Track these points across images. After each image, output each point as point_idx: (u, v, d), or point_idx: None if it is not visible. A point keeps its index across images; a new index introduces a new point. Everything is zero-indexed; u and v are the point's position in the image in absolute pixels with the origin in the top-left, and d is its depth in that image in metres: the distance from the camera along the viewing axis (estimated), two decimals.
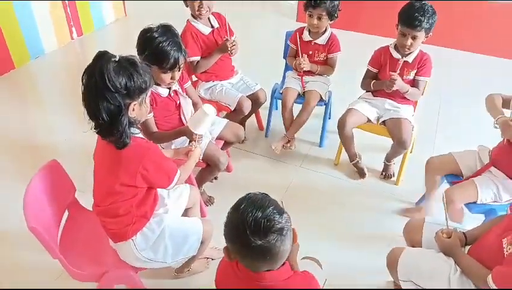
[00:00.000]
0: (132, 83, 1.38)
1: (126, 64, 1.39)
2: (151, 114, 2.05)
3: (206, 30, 2.61)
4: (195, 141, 1.93)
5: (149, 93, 1.51)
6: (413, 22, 2.30)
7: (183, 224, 1.79)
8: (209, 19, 2.63)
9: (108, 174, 1.52)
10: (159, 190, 1.76)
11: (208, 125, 1.96)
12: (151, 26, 1.94)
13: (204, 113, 1.89)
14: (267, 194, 1.19)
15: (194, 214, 2.03)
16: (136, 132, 1.52)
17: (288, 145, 2.90)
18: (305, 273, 1.31)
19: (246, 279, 1.19)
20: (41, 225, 1.47)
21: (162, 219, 1.71)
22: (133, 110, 1.44)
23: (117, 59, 1.38)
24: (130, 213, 1.60)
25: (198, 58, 2.61)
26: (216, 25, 2.66)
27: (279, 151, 2.85)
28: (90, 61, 1.40)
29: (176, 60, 1.93)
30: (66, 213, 1.80)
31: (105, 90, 1.34)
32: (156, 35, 1.90)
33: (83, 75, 1.38)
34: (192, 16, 2.60)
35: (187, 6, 2.58)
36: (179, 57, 1.93)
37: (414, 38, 2.36)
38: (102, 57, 1.37)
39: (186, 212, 2.00)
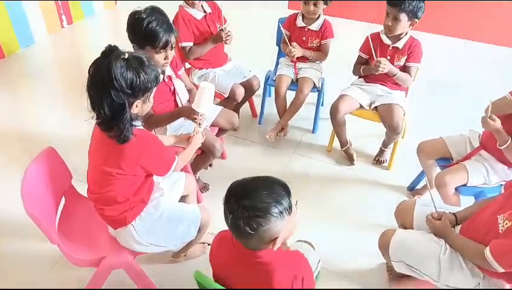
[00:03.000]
0: (138, 82, 1.38)
1: (134, 63, 1.38)
2: None
3: (198, 15, 2.61)
4: (195, 120, 1.96)
5: (154, 91, 1.51)
6: (394, 1, 2.35)
7: (181, 210, 1.81)
8: (201, 4, 2.63)
9: (106, 163, 1.52)
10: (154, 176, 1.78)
11: (209, 103, 2.00)
12: (138, 9, 1.94)
13: (203, 89, 1.94)
14: (258, 179, 1.19)
15: (191, 203, 2.05)
16: (138, 124, 1.53)
17: (282, 133, 2.95)
18: (296, 252, 1.34)
19: (241, 253, 1.22)
20: (40, 211, 1.48)
21: (159, 203, 1.73)
22: (136, 106, 1.46)
23: (126, 57, 1.37)
24: (127, 200, 1.62)
25: (191, 44, 2.61)
26: (208, 10, 2.66)
27: (273, 139, 2.90)
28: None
29: (168, 38, 1.92)
30: (63, 200, 1.81)
31: (111, 88, 1.35)
32: (144, 16, 1.89)
33: (90, 67, 1.39)
34: (186, 2, 2.60)
35: None
36: (170, 35, 1.93)
37: (395, 19, 2.39)
38: (112, 54, 1.36)
39: (183, 201, 2.02)
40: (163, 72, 2.10)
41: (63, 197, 1.81)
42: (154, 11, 1.93)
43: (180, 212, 1.78)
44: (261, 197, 1.12)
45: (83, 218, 1.83)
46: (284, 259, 1.25)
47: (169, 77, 2.16)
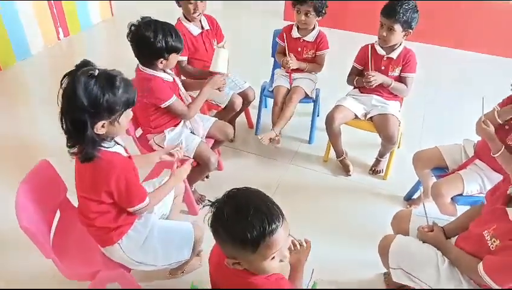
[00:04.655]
0: (101, 101, 1.31)
1: (102, 82, 1.32)
2: (173, 99, 2.11)
3: (195, 31, 2.63)
4: (221, 87, 2.38)
5: (129, 112, 1.45)
6: (388, 12, 2.37)
7: (173, 229, 1.76)
8: (200, 20, 2.65)
9: (80, 184, 1.51)
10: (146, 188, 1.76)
11: (225, 63, 2.37)
12: (146, 34, 1.93)
13: (218, 51, 2.35)
14: (255, 196, 1.17)
15: (177, 204, 2.02)
16: (109, 146, 1.46)
17: (275, 142, 2.85)
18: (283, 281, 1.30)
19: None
20: (34, 225, 1.47)
21: (148, 219, 1.69)
22: (103, 127, 1.38)
23: (96, 74, 1.31)
24: (107, 227, 1.58)
25: (185, 58, 2.62)
26: (206, 26, 2.67)
27: (266, 142, 2.78)
28: (78, 62, 1.38)
29: (181, 40, 2.05)
30: (58, 213, 1.80)
31: (72, 104, 1.30)
32: (161, 36, 1.94)
33: (62, 79, 1.35)
34: (184, 16, 2.61)
35: (179, 6, 2.59)
36: (181, 37, 2.06)
37: (390, 29, 2.40)
38: (81, 68, 1.32)
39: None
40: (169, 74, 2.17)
41: (58, 211, 1.80)
42: (157, 25, 1.96)
43: (171, 232, 1.73)
44: (240, 222, 1.09)
45: (77, 231, 1.81)
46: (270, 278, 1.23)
47: (174, 80, 2.20)
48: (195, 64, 2.68)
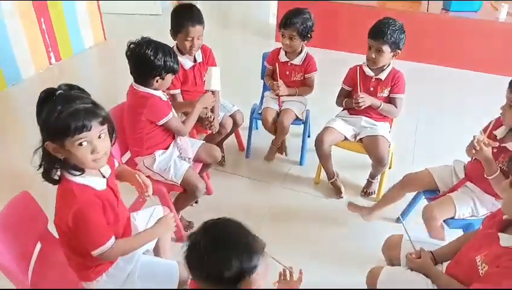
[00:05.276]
0: (39, 121, 1.26)
1: (52, 102, 1.24)
2: (170, 115, 2.12)
3: (187, 65, 2.60)
4: (210, 105, 2.41)
5: (85, 139, 1.28)
6: (376, 34, 2.38)
7: (157, 267, 1.68)
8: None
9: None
10: (132, 220, 1.71)
11: (218, 81, 2.44)
12: (146, 52, 1.96)
13: (210, 70, 2.43)
14: (234, 229, 1.13)
15: (166, 239, 1.96)
16: (77, 174, 1.36)
17: (283, 153, 3.11)
18: None
19: None
20: (10, 259, 1.43)
21: (132, 256, 1.61)
22: (57, 151, 1.29)
23: (57, 93, 1.27)
24: (82, 263, 1.52)
25: (178, 91, 2.60)
26: (199, 59, 2.64)
27: (273, 159, 3.03)
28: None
29: (178, 63, 2.09)
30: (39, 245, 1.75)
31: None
32: (161, 54, 1.98)
33: None
34: (178, 48, 2.57)
35: (175, 40, 2.54)
36: (178, 60, 2.11)
37: (378, 51, 2.41)
38: (57, 87, 1.30)
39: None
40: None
41: (39, 242, 1.75)
42: (157, 46, 1.99)
43: (155, 269, 1.65)
44: (217, 257, 1.06)
45: (58, 263, 1.75)
46: None
47: (168, 100, 2.21)
48: (182, 95, 2.65)
